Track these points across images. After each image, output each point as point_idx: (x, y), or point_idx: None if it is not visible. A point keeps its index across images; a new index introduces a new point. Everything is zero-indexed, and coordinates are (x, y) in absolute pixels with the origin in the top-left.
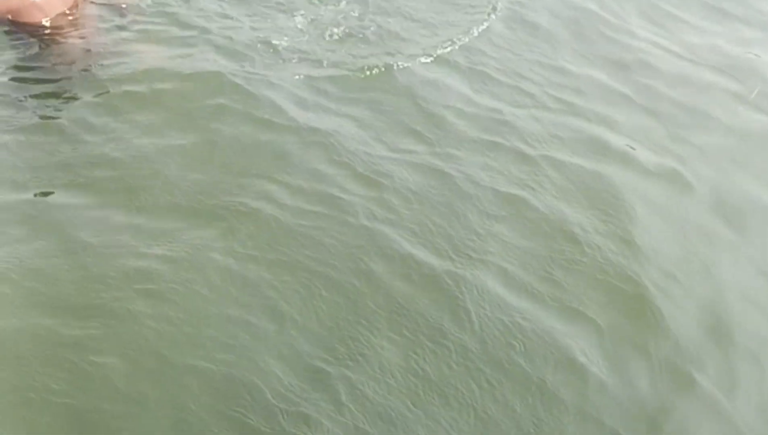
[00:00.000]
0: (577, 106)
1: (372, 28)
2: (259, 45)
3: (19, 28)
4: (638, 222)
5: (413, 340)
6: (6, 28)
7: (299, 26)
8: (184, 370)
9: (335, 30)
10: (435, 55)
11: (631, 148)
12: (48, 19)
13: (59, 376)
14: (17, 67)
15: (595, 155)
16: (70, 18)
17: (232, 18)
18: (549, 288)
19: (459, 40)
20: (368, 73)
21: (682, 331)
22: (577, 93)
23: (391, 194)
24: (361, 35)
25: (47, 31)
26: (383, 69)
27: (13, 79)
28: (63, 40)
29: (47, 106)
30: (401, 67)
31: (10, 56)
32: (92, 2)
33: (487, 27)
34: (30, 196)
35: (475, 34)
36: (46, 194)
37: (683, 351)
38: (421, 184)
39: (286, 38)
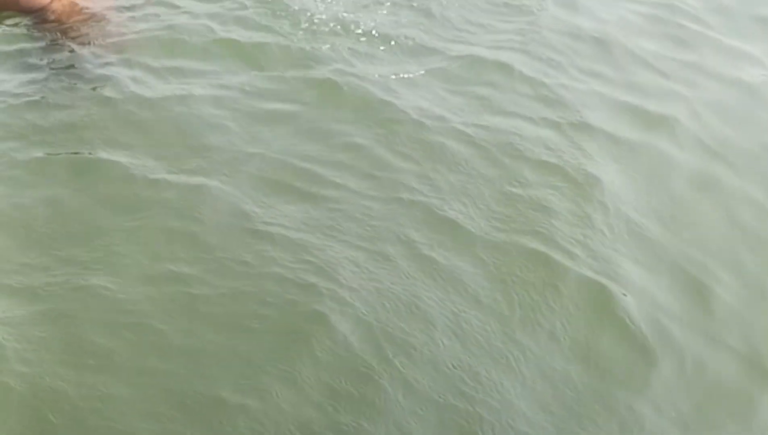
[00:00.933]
0: (608, 77)
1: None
2: (297, 19)
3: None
4: (673, 187)
5: (452, 306)
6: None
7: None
8: (237, 329)
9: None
10: (466, 37)
11: (660, 114)
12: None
13: (110, 336)
14: (37, 44)
15: (625, 121)
16: None
17: None
18: (586, 254)
19: (497, 21)
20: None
21: (720, 298)
22: (607, 64)
23: (427, 167)
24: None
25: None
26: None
27: (38, 51)
28: (81, 15)
29: (72, 74)
30: (435, 48)
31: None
32: None
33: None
34: (66, 154)
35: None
36: (79, 153)
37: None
38: (456, 156)
39: (323, 15)
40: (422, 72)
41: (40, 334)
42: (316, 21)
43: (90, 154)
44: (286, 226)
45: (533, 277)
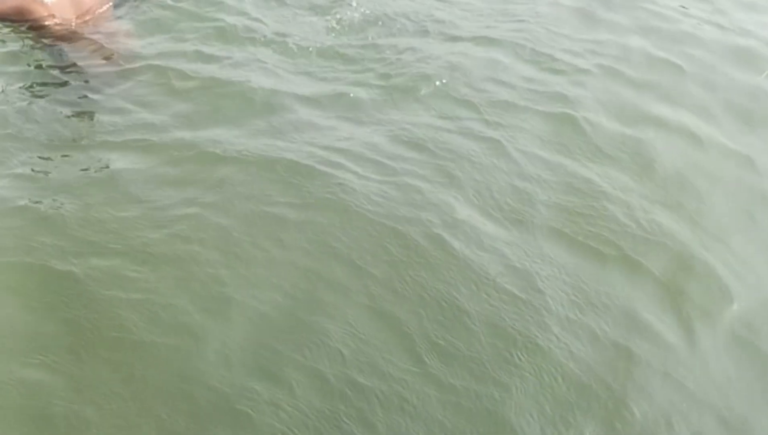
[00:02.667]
0: (623, 74)
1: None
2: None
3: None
4: (681, 184)
5: (472, 294)
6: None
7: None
8: (251, 311)
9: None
10: (479, 35)
11: (672, 113)
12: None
13: (131, 317)
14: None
15: (637, 121)
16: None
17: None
18: (607, 247)
19: (504, 19)
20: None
21: (739, 292)
22: (623, 62)
23: (446, 160)
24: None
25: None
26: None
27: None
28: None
29: (74, 87)
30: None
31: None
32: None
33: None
34: (85, 156)
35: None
36: (99, 155)
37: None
38: (470, 151)
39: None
40: (437, 73)
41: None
42: (344, 17)
43: (106, 155)
44: (303, 211)
45: (556, 274)
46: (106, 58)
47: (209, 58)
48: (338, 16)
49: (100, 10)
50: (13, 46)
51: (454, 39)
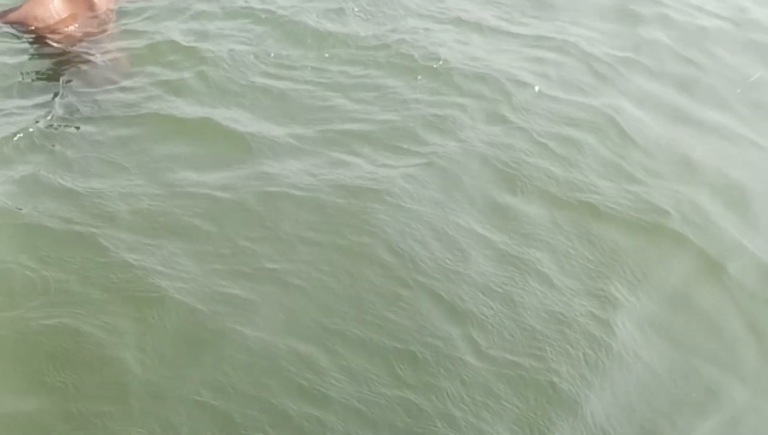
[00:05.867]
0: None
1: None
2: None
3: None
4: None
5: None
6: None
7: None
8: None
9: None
10: None
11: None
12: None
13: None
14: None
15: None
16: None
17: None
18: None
19: None
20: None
21: None
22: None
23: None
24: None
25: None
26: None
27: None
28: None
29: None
30: None
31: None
32: None
33: None
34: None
35: None
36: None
37: None
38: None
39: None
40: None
41: None
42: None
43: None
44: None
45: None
46: (107, 67)
47: (213, 64)
48: None
49: (104, 22)
50: (17, 51)
51: None
